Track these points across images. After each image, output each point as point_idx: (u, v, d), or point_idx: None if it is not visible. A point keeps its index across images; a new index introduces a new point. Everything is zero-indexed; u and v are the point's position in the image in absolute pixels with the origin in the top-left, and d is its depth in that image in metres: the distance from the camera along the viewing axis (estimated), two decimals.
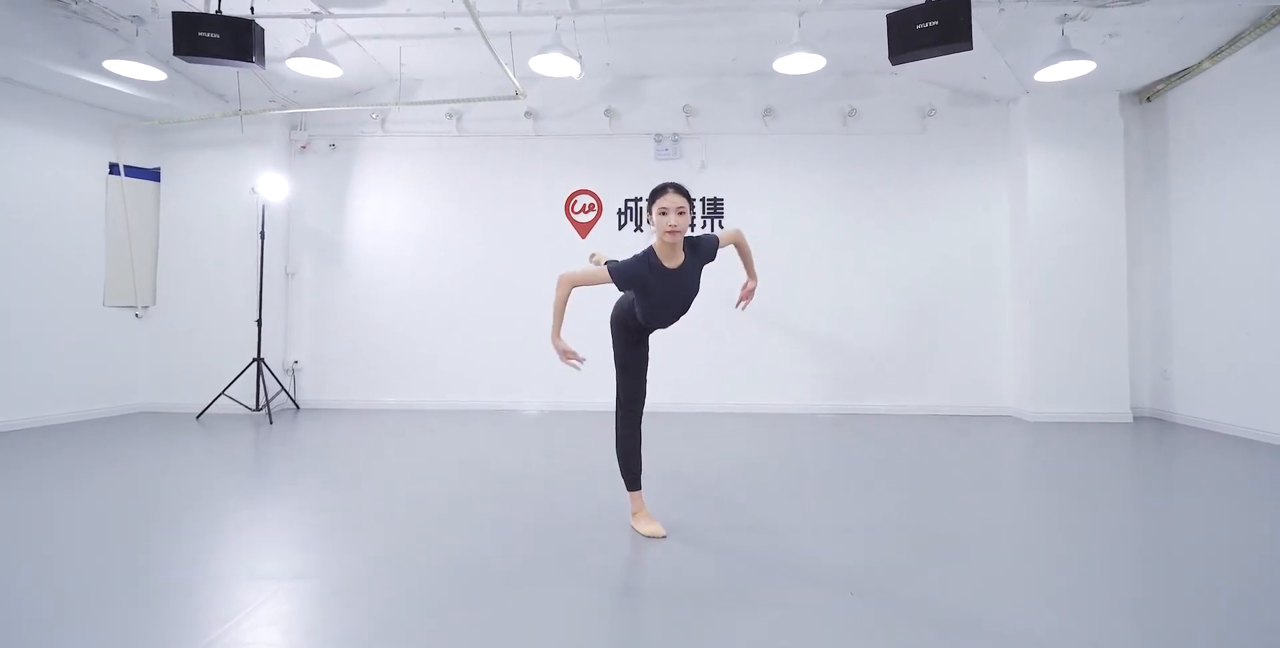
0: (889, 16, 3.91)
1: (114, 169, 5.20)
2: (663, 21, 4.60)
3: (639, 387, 2.51)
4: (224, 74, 5.02)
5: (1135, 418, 5.17)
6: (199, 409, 5.16)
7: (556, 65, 4.42)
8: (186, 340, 5.45)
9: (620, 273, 2.23)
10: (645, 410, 2.53)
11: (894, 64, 4.04)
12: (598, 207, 5.63)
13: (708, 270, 2.42)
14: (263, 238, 5.25)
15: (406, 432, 4.65)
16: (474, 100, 5.12)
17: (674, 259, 2.29)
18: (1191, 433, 4.61)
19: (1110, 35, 4.40)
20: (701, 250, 2.38)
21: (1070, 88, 5.06)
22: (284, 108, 5.30)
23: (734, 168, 5.52)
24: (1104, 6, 3.86)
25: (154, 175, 5.48)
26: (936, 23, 3.73)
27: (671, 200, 2.21)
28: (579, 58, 4.44)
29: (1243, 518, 2.69)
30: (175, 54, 3.84)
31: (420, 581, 2.02)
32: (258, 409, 5.21)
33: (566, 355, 2.25)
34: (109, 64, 4.32)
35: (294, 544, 2.39)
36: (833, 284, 5.53)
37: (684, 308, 2.40)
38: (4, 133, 4.54)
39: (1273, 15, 4.11)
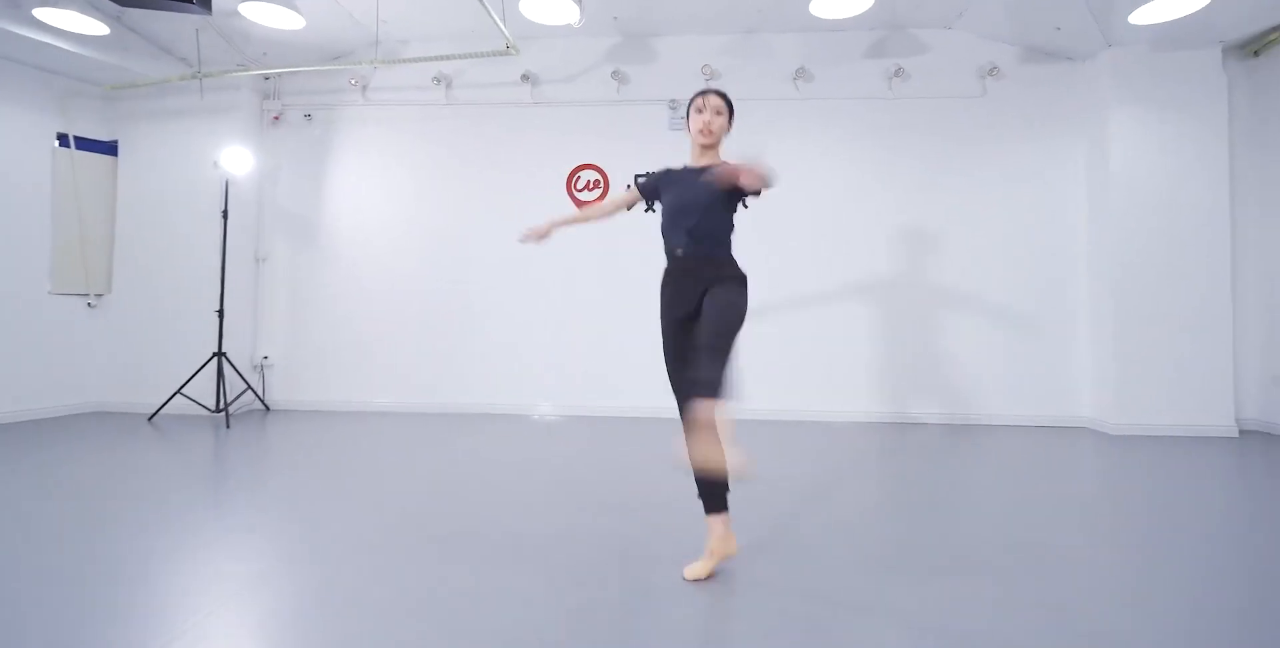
0: None
1: (63, 140, 4.65)
2: None
3: (670, 378, 2.05)
4: (183, 33, 4.45)
5: (1241, 431, 4.33)
6: (150, 410, 4.58)
7: (551, 9, 3.77)
8: (146, 333, 4.89)
9: (642, 182, 2.32)
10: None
11: None
12: (604, 183, 4.95)
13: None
14: (225, 218, 4.66)
15: (388, 437, 4.02)
16: (459, 58, 4.45)
17: (701, 162, 2.12)
18: None
19: None
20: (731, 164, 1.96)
21: (1162, 38, 4.25)
22: (249, 70, 4.70)
23: (763, 139, 4.77)
24: None
25: (110, 148, 4.93)
26: None
27: (709, 100, 2.06)
28: (579, 1, 3.77)
29: None
30: None
31: (379, 608, 1.65)
32: (218, 410, 4.62)
33: (537, 232, 2.28)
34: (40, 13, 3.76)
35: (241, 563, 1.77)
36: (877, 274, 4.77)
37: (694, 214, 2.01)
38: None
39: None
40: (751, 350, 4.61)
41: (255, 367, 5.06)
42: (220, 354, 4.58)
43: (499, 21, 3.85)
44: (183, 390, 4.51)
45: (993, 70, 4.61)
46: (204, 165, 4.83)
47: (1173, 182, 4.34)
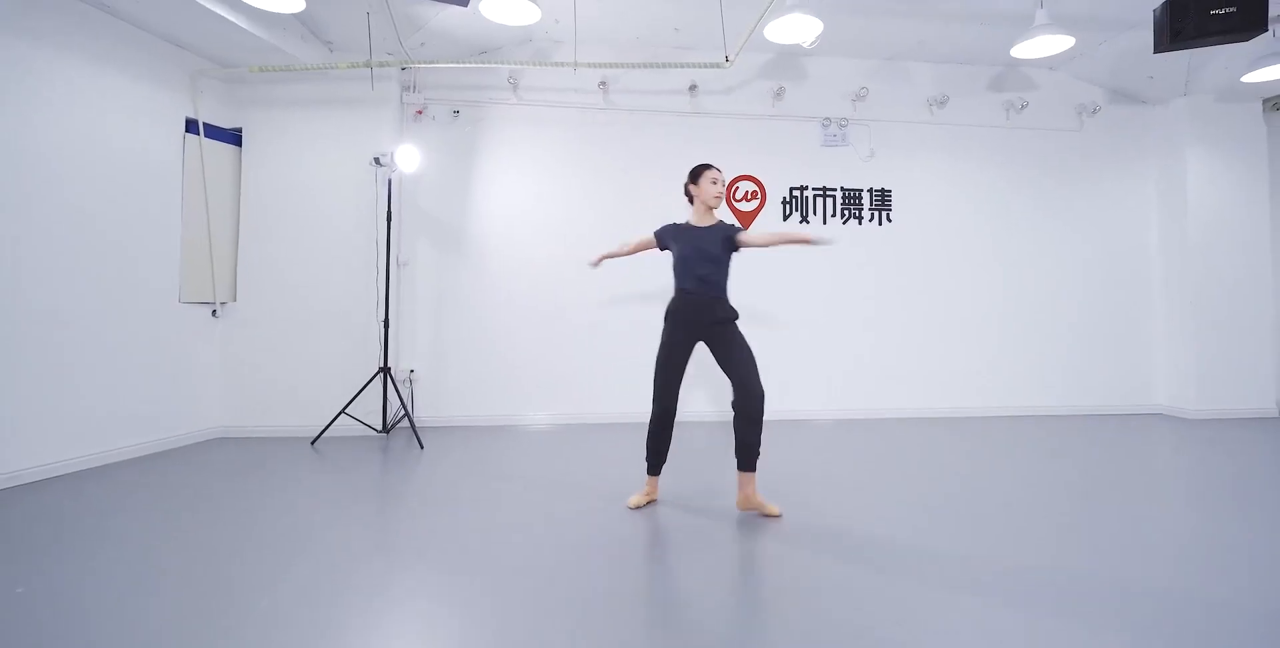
0: (1172, 1, 3.73)
1: (191, 127, 4.03)
2: None
3: (662, 376, 2.68)
4: (343, 15, 4.04)
5: None
6: (285, 433, 4.11)
7: (793, 29, 3.89)
8: (277, 347, 4.34)
9: (659, 230, 2.83)
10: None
11: (1158, 52, 3.88)
12: (761, 195, 5.11)
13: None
14: (390, 220, 4.27)
15: (521, 457, 3.92)
16: (695, 67, 4.34)
17: (705, 221, 2.75)
18: None
19: None
20: (727, 226, 2.71)
21: (1222, 92, 5.18)
22: (409, 63, 4.32)
23: (902, 158, 5.20)
24: None
25: (234, 138, 4.32)
26: (1235, 9, 3.60)
27: (718, 174, 2.72)
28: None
29: None
30: None
31: None
32: (385, 431, 4.23)
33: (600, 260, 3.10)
34: None
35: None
36: (990, 282, 5.35)
37: (706, 265, 2.64)
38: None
39: None
40: (866, 351, 5.02)
41: (403, 381, 4.67)
42: (385, 369, 4.21)
43: (743, 37, 3.91)
44: (347, 410, 4.10)
45: (1095, 109, 5.34)
46: (347, 160, 4.39)
47: (1230, 211, 5.28)
